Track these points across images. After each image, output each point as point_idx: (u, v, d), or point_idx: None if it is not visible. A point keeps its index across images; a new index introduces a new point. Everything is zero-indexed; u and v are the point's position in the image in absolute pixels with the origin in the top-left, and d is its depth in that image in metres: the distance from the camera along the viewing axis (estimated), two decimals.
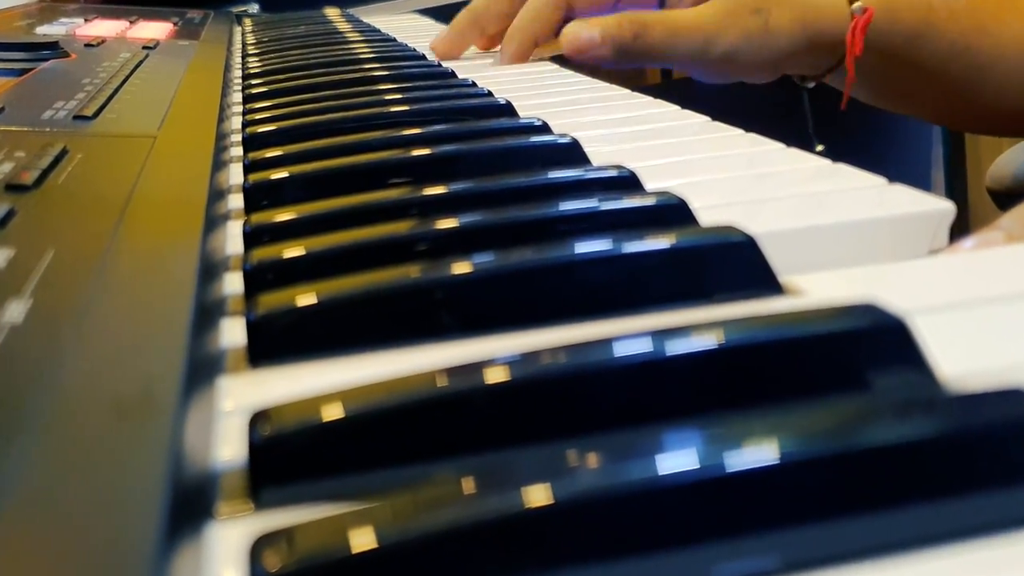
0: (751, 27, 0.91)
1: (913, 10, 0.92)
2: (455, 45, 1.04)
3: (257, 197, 0.49)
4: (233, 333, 0.34)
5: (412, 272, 0.35)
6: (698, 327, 0.28)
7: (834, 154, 0.53)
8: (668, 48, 0.90)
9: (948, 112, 1.01)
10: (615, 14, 0.92)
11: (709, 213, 0.41)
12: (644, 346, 0.27)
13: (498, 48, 1.01)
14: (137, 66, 0.86)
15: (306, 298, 0.33)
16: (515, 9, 0.99)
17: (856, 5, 0.91)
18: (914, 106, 1.02)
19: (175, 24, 1.29)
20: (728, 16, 0.91)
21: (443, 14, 1.38)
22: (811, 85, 0.99)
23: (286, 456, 0.25)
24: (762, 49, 0.91)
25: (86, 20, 1.24)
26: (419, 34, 1.24)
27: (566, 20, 0.97)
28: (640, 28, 0.90)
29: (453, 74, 0.84)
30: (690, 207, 0.41)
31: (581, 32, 0.91)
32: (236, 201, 0.51)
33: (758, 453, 0.22)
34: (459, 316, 0.34)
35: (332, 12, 1.54)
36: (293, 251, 0.39)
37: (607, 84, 0.81)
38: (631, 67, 0.94)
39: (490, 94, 0.72)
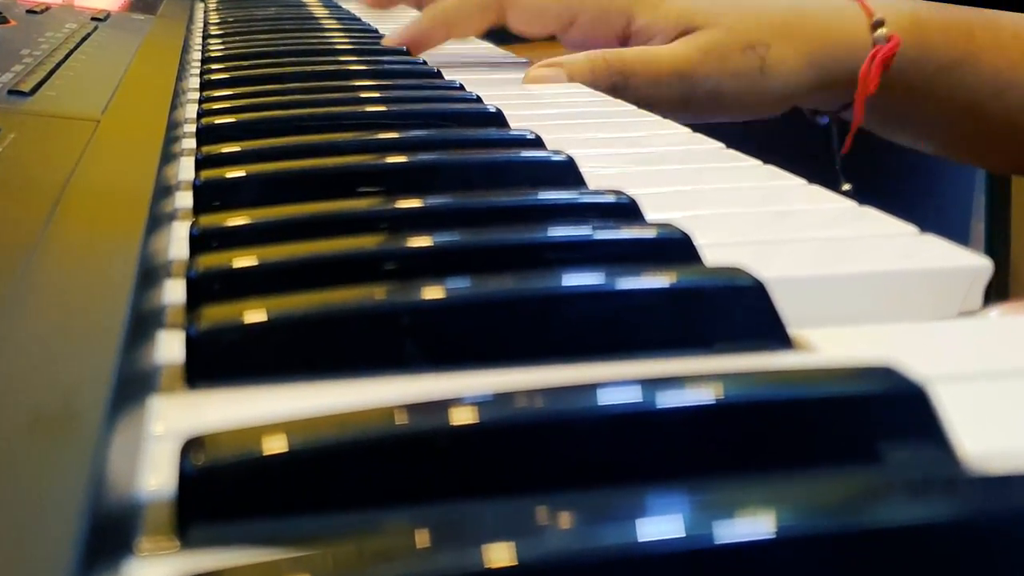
0: (741, 66, 0.89)
1: (948, 37, 0.90)
2: None
3: (208, 196, 0.50)
4: (170, 348, 0.34)
5: (377, 294, 0.35)
6: (694, 379, 0.28)
7: (861, 195, 0.53)
8: (650, 92, 0.88)
9: (986, 152, 1.00)
10: (584, 54, 0.89)
11: (715, 251, 0.41)
12: (632, 395, 0.27)
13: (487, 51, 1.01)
14: (84, 39, 0.86)
15: (255, 314, 0.33)
16: None
17: (880, 32, 0.90)
18: (944, 144, 1.01)
19: None
20: (714, 54, 0.89)
21: None
22: (824, 122, 0.98)
23: (220, 490, 0.25)
24: (756, 90, 0.90)
25: None
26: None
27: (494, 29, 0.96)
28: (620, 77, 0.87)
29: (439, 74, 0.85)
30: (694, 243, 0.41)
31: (545, 76, 0.88)
32: (184, 199, 0.51)
33: (752, 525, 0.22)
34: (426, 347, 0.34)
35: None
36: (244, 260, 0.39)
37: (610, 99, 0.82)
38: None
39: (479, 99, 0.72)
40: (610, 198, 0.47)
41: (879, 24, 0.90)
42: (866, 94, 0.89)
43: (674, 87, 0.88)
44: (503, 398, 0.27)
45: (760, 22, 0.90)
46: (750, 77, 0.89)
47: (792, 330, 0.36)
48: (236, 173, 0.51)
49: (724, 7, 0.91)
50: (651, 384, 0.28)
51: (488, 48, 1.09)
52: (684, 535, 0.22)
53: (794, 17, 0.91)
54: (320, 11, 1.32)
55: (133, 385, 0.31)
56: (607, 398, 0.27)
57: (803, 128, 1.02)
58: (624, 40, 0.93)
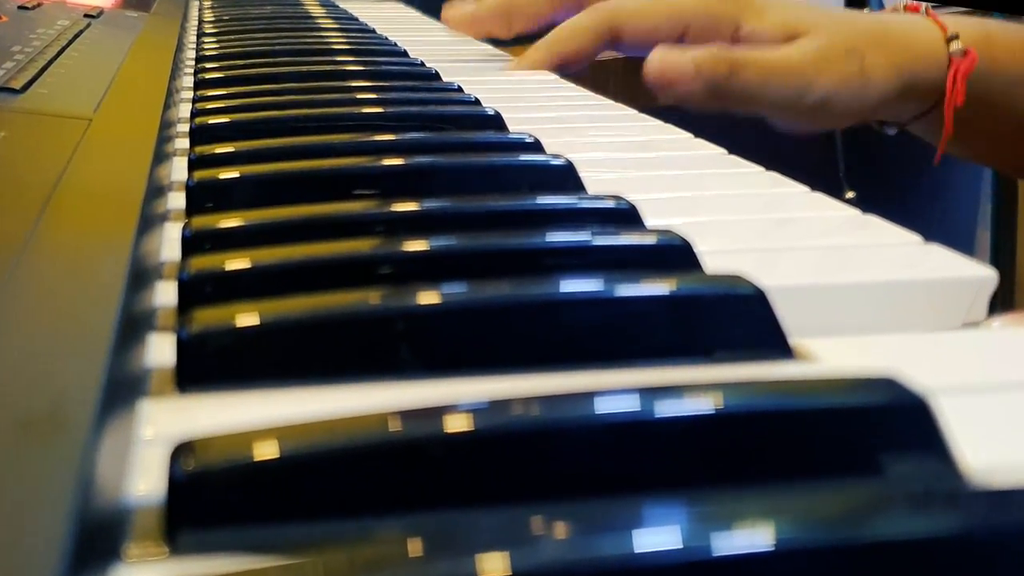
0: (847, 71, 0.91)
1: (1016, 54, 0.93)
2: (474, 24, 1.04)
3: (201, 197, 0.50)
4: (161, 351, 0.34)
5: (372, 298, 0.35)
6: (693, 388, 0.28)
7: (865, 203, 0.53)
8: (761, 91, 0.90)
9: None
10: (705, 47, 0.91)
11: (716, 259, 0.41)
12: (630, 404, 0.27)
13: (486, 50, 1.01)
14: (76, 36, 0.86)
15: (248, 318, 0.33)
16: (554, 14, 0.99)
17: (955, 47, 0.92)
18: (1006, 160, 1.03)
19: None
20: (823, 59, 0.91)
21: (432, 6, 1.39)
22: (892, 132, 1.00)
23: (210, 496, 0.25)
24: (858, 95, 0.92)
25: None
26: (403, 27, 1.24)
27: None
28: (734, 66, 0.89)
29: (437, 76, 0.85)
30: (695, 250, 0.41)
31: (673, 60, 0.89)
32: (177, 200, 0.51)
33: (750, 537, 0.22)
34: (421, 352, 0.34)
35: None
36: (237, 263, 0.39)
37: (612, 102, 0.82)
38: (716, 109, 0.93)
39: (477, 102, 0.72)
40: (609, 203, 0.47)
41: (953, 38, 0.93)
42: (955, 106, 0.91)
43: (784, 87, 0.91)
44: (498, 405, 0.27)
45: (854, 30, 0.93)
46: (854, 83, 0.91)
47: (793, 339, 0.36)
48: (230, 174, 0.51)
49: (821, 15, 0.94)
50: (649, 393, 0.28)
51: (487, 50, 1.09)
52: (681, 546, 0.22)
53: (879, 28, 0.94)
54: (317, 10, 1.32)
55: (123, 388, 0.31)
56: (604, 407, 0.27)
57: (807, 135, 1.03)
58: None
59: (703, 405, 0.28)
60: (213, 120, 0.64)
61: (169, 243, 0.45)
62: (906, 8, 0.98)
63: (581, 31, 0.96)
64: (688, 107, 0.91)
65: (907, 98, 0.94)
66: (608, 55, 1.07)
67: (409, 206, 0.46)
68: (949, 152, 1.01)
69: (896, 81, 0.92)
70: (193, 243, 0.43)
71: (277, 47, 0.97)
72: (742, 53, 0.91)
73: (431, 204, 0.46)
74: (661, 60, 0.90)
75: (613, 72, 1.42)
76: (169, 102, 0.70)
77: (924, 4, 0.97)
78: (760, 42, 0.94)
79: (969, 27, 0.94)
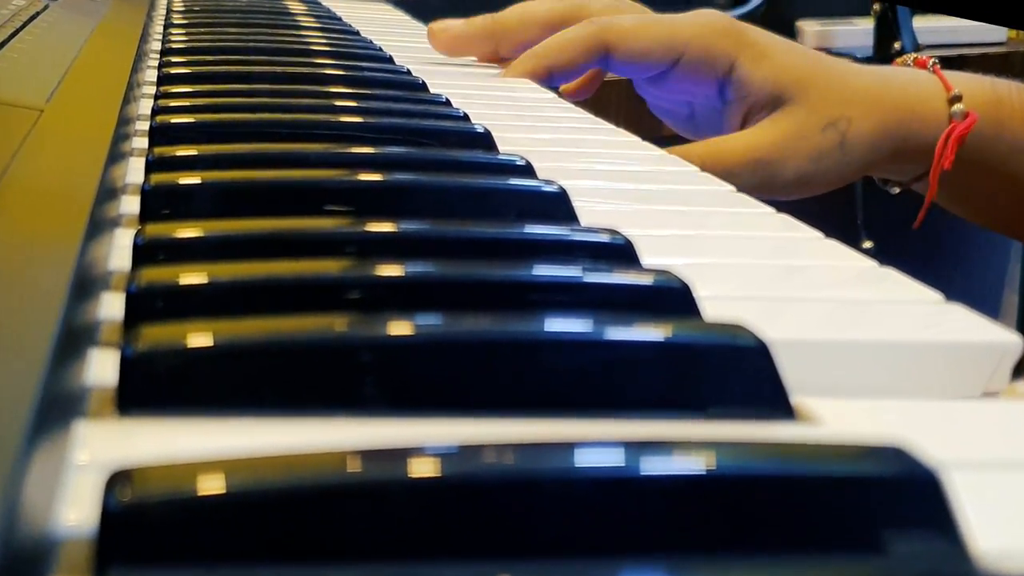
0: (823, 146, 0.94)
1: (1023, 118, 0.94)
2: (459, 45, 1.05)
3: (158, 203, 0.50)
4: (103, 368, 0.34)
5: (337, 325, 0.35)
6: (683, 444, 0.28)
7: (884, 255, 0.54)
8: (727, 180, 0.91)
9: None
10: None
11: (716, 305, 0.41)
12: (614, 458, 0.27)
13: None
14: (32, 18, 0.86)
15: (201, 338, 0.33)
16: (543, 40, 1.01)
17: (957, 108, 0.94)
18: (1011, 224, 1.04)
19: None
20: (796, 137, 0.93)
21: (422, 10, 1.39)
22: (896, 191, 1.01)
23: (146, 530, 0.25)
24: (838, 166, 0.94)
25: None
26: (389, 30, 1.24)
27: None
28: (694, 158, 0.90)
29: (423, 86, 0.85)
30: (694, 294, 0.41)
31: None
32: (131, 204, 0.51)
33: None
34: (388, 388, 0.34)
35: None
36: (193, 277, 0.39)
37: (614, 127, 0.82)
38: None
39: (466, 117, 0.72)
40: (604, 237, 0.47)
41: (956, 99, 0.95)
42: (941, 170, 0.93)
43: (749, 176, 0.92)
44: (469, 451, 0.27)
45: (844, 95, 0.95)
46: (831, 157, 0.94)
47: (796, 398, 0.36)
48: (190, 180, 0.51)
49: (813, 75, 0.96)
50: (635, 447, 0.28)
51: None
52: None
53: (877, 87, 0.96)
54: (297, 6, 1.32)
55: (57, 407, 0.30)
56: (585, 459, 0.27)
57: None
58: (723, 85, 0.98)
59: (693, 464, 0.28)
60: (176, 119, 0.64)
61: (119, 251, 0.45)
62: (915, 62, 0.99)
63: (573, 43, 0.98)
64: None
65: (900, 159, 0.96)
66: (611, 76, 1.08)
67: (384, 227, 0.46)
68: (950, 210, 1.03)
69: (885, 143, 0.95)
70: (145, 253, 0.43)
71: (251, 44, 0.97)
72: (694, 151, 0.92)
73: (408, 226, 0.46)
74: None
75: (616, 95, 1.42)
76: (129, 96, 0.70)
77: (932, 59, 0.98)
78: (745, 95, 0.96)
79: (978, 88, 0.96)
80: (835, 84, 0.96)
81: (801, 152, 0.93)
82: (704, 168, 0.89)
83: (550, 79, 0.99)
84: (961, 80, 0.96)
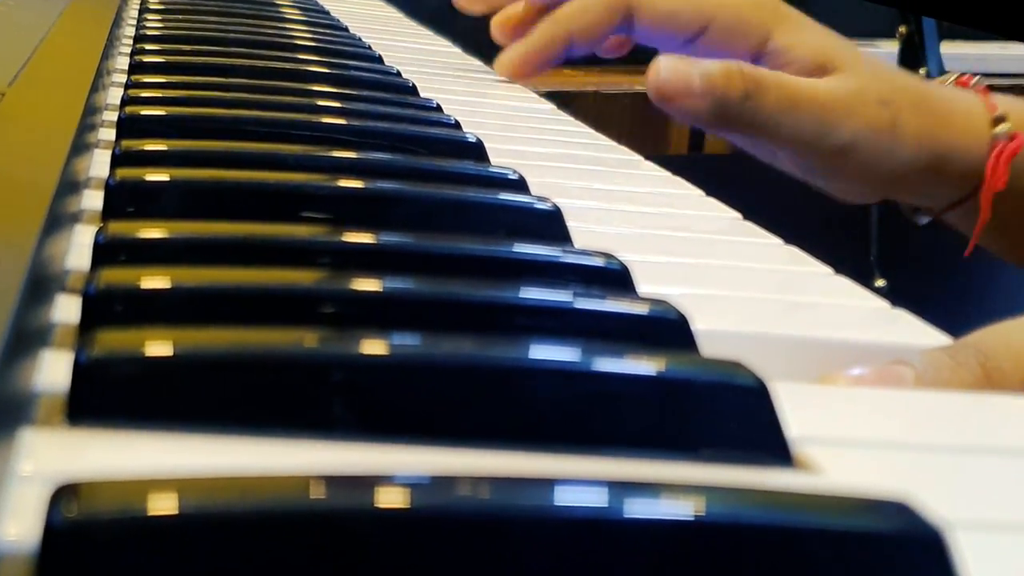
0: (878, 120, 0.93)
1: None
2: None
3: (122, 200, 0.49)
4: (54, 373, 0.34)
5: (307, 340, 0.35)
6: (672, 487, 0.28)
7: (896, 295, 0.54)
8: (779, 120, 0.91)
9: None
10: (722, 60, 0.92)
11: (715, 341, 0.41)
12: (596, 498, 0.27)
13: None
14: None
15: (160, 347, 0.33)
16: None
17: (1001, 128, 0.94)
18: None
19: None
20: (856, 102, 0.93)
21: (416, 7, 1.39)
22: (925, 221, 1.01)
23: (91, 550, 0.25)
24: (884, 150, 0.93)
25: None
26: (380, 28, 1.24)
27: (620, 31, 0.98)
28: (753, 86, 0.90)
29: (414, 89, 0.85)
30: (691, 327, 0.41)
31: (678, 71, 0.90)
32: (93, 200, 0.51)
33: None
34: (358, 410, 0.34)
35: None
36: (156, 281, 0.39)
37: (615, 144, 0.82)
38: (722, 134, 0.94)
39: (457, 125, 0.72)
40: (599, 261, 0.47)
41: (1001, 120, 0.94)
42: (994, 190, 0.92)
43: (806, 121, 0.92)
44: (441, 483, 0.27)
45: (895, 83, 0.95)
46: (883, 136, 0.93)
47: (795, 445, 0.36)
48: (158, 176, 0.51)
49: (860, 57, 0.96)
50: (620, 488, 0.28)
51: (476, 64, 1.09)
52: None
53: (919, 91, 0.96)
54: None
55: (2, 412, 0.30)
56: (566, 498, 0.27)
57: (836, 207, 1.04)
58: (756, 59, 0.97)
59: (681, 509, 0.28)
60: (146, 111, 0.64)
61: (78, 249, 0.45)
62: (957, 82, 0.99)
63: (595, 4, 0.98)
64: (690, 124, 0.92)
65: (938, 176, 0.95)
66: (615, 88, 1.08)
67: (363, 237, 0.46)
68: (984, 245, 1.02)
69: (928, 150, 0.94)
70: (106, 252, 0.42)
71: (231, 35, 0.97)
72: (763, 73, 0.92)
73: (389, 238, 0.46)
74: (664, 69, 0.90)
75: (620, 110, 1.43)
76: (98, 84, 0.70)
77: (976, 77, 0.98)
78: (785, 63, 0.95)
79: (1021, 111, 0.95)
80: (881, 72, 0.96)
81: (860, 116, 0.92)
82: (767, 89, 0.90)
83: (571, 47, 0.99)
84: (1007, 101, 0.96)
